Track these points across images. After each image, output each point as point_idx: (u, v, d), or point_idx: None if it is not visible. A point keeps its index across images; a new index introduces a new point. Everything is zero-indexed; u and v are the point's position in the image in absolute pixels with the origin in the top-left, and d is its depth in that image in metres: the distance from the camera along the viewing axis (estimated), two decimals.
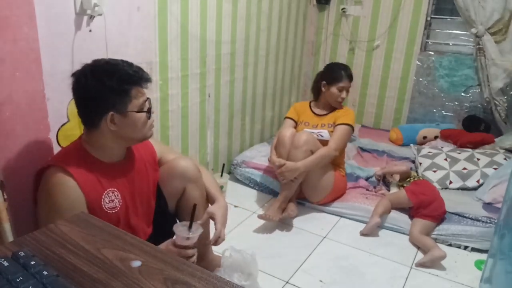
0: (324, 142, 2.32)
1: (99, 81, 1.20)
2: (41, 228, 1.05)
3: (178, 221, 1.62)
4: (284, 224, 2.25)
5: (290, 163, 2.16)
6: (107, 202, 1.29)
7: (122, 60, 1.27)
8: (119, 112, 1.23)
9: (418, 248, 2.08)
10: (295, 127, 2.47)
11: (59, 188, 1.19)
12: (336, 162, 2.44)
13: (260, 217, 2.18)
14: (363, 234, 2.18)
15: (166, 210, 1.57)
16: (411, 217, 2.22)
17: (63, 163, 1.23)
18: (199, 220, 1.44)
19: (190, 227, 1.23)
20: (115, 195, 1.32)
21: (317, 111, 2.50)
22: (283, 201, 2.25)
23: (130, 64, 1.27)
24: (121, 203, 1.33)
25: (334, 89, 2.39)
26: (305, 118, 2.50)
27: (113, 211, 1.31)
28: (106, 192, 1.29)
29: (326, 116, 2.46)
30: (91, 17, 1.64)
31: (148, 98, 1.31)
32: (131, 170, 1.39)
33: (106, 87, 1.20)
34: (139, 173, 1.42)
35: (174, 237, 1.26)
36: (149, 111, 1.30)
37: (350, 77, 2.43)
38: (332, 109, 2.47)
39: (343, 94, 2.40)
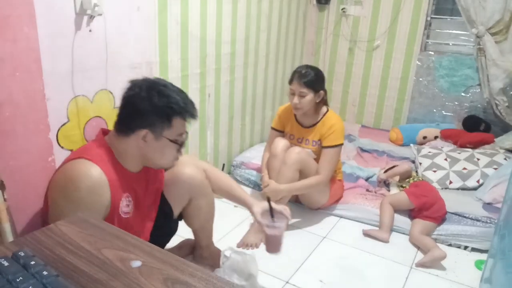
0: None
1: (149, 97, 1.21)
2: (54, 221, 1.05)
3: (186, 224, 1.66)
4: None
5: (274, 184, 2.06)
6: (124, 205, 1.29)
7: (180, 90, 1.29)
8: (154, 133, 1.23)
9: (418, 248, 2.08)
10: (284, 137, 2.33)
11: (91, 183, 1.16)
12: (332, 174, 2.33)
13: (238, 245, 2.01)
14: (366, 234, 2.18)
15: (171, 216, 1.56)
16: (411, 217, 2.22)
17: (91, 156, 1.20)
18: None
19: (272, 216, 1.38)
20: (129, 201, 1.32)
21: (301, 119, 2.28)
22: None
23: (185, 96, 1.28)
24: (132, 210, 1.33)
25: (290, 93, 2.18)
26: (290, 129, 2.33)
27: (127, 216, 1.31)
28: (125, 195, 1.29)
29: (311, 129, 2.25)
30: (91, 17, 1.64)
31: (187, 132, 1.31)
32: (143, 181, 1.39)
33: (153, 105, 1.20)
34: (149, 184, 1.42)
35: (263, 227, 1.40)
36: (181, 145, 1.30)
37: (302, 79, 2.11)
38: (317, 119, 2.24)
39: (295, 99, 2.12)
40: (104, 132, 1.35)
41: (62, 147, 1.65)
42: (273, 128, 2.40)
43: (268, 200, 1.32)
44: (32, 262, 0.61)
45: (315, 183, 2.14)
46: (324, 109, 2.26)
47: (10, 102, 1.42)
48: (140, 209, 1.38)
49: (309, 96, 2.13)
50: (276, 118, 2.39)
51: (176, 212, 1.56)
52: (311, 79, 2.12)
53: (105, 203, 1.19)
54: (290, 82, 2.17)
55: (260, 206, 1.47)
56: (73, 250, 0.71)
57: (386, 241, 2.13)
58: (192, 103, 1.29)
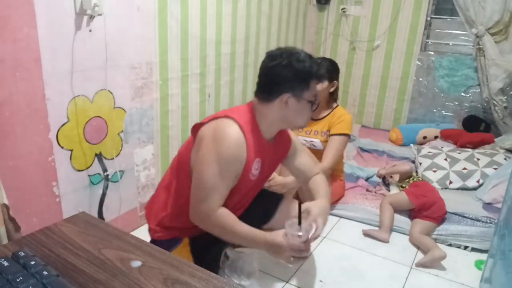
0: (316, 151, 2.25)
1: (290, 64, 1.31)
2: (201, 167, 1.28)
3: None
4: None
5: (280, 178, 2.06)
6: (255, 168, 1.37)
7: (310, 55, 1.38)
8: (295, 96, 1.34)
9: (418, 248, 2.08)
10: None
11: (233, 142, 1.27)
12: (335, 173, 2.38)
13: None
14: (366, 234, 2.18)
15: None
16: (411, 217, 2.22)
17: (243, 122, 1.31)
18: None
19: (299, 224, 1.26)
20: (258, 165, 1.39)
21: (313, 115, 2.40)
22: None
23: (315, 61, 1.38)
24: (259, 176, 1.42)
25: None
26: None
27: (253, 178, 1.39)
28: (256, 160, 1.37)
29: (321, 121, 2.32)
30: (91, 17, 1.64)
31: (318, 94, 1.42)
32: (272, 152, 1.47)
33: (294, 71, 1.31)
34: (273, 159, 1.50)
35: (286, 233, 1.28)
36: (315, 104, 1.40)
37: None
38: (327, 112, 2.33)
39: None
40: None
41: (62, 147, 1.66)
42: None
43: (299, 205, 1.28)
44: (32, 262, 0.61)
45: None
46: (334, 104, 2.36)
47: (10, 102, 1.42)
48: (263, 176, 1.48)
49: (324, 83, 2.22)
50: None
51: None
52: (327, 68, 2.23)
53: (242, 160, 1.30)
54: None
55: (312, 204, 1.47)
56: (73, 250, 0.71)
57: (386, 241, 2.13)
58: (323, 66, 1.44)
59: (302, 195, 2.36)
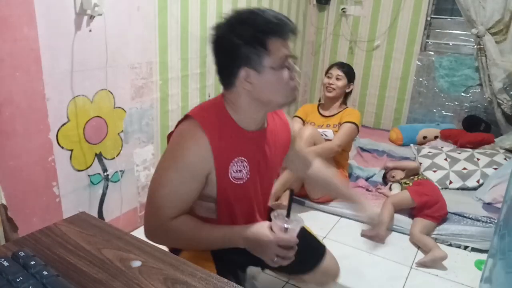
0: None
1: (232, 31, 1.02)
2: (155, 176, 1.08)
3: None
4: None
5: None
6: (234, 171, 1.13)
7: (268, 9, 1.06)
8: (254, 68, 1.04)
9: (418, 248, 2.08)
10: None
11: (190, 142, 1.07)
12: (339, 163, 2.49)
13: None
14: (364, 235, 2.18)
15: None
16: (412, 216, 2.22)
17: (201, 118, 1.10)
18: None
19: (288, 216, 1.02)
20: (244, 166, 1.15)
21: (324, 113, 2.59)
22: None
23: (274, 13, 1.05)
24: (249, 176, 1.17)
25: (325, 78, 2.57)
26: (311, 118, 2.59)
27: (239, 182, 1.15)
28: (235, 160, 1.13)
29: (333, 117, 2.54)
30: (91, 17, 1.64)
31: (291, 55, 1.09)
32: (265, 142, 1.21)
33: (240, 38, 1.01)
34: (272, 148, 1.24)
35: (271, 226, 1.05)
36: (291, 69, 1.08)
37: (341, 67, 2.54)
38: (339, 110, 2.55)
39: (331, 80, 2.51)
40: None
41: (62, 147, 1.66)
42: (296, 116, 2.67)
43: (291, 193, 1.07)
44: (32, 262, 0.61)
45: (329, 146, 2.35)
46: (344, 106, 2.61)
47: (10, 102, 1.42)
48: (262, 173, 1.22)
49: (343, 81, 2.50)
50: (301, 109, 2.71)
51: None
52: (348, 69, 2.55)
53: (205, 167, 1.08)
54: (329, 69, 2.55)
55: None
56: (73, 250, 0.71)
57: (382, 237, 2.13)
58: (285, 17, 1.07)
59: (307, 184, 2.37)
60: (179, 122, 1.15)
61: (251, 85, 1.06)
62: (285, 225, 1.01)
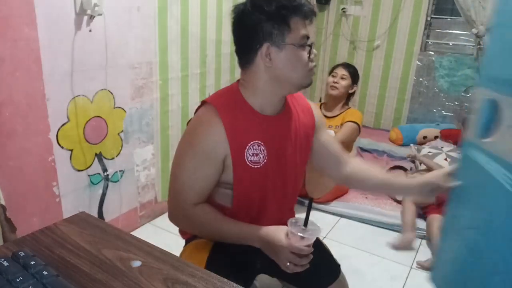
0: None
1: (256, 7, 1.06)
2: (174, 160, 1.13)
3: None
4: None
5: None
6: (250, 154, 1.13)
7: None
8: (275, 44, 1.06)
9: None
10: None
11: (205, 127, 1.10)
12: None
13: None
14: (396, 247, 2.09)
15: None
16: (424, 216, 2.20)
17: (216, 102, 1.12)
18: None
19: (305, 224, 1.02)
20: (260, 149, 1.15)
21: (327, 113, 2.62)
22: None
23: None
24: (266, 160, 1.15)
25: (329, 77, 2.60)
26: None
27: (256, 166, 1.14)
28: (251, 143, 1.13)
29: (335, 118, 2.57)
30: (91, 17, 1.64)
31: (309, 36, 1.11)
32: (284, 127, 1.19)
33: (264, 14, 1.05)
34: (293, 133, 1.21)
35: (288, 232, 1.04)
36: (310, 50, 1.10)
37: (346, 67, 2.58)
38: (342, 110, 2.58)
39: (336, 79, 2.53)
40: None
41: (62, 147, 1.66)
42: None
43: (310, 201, 1.05)
44: (32, 262, 0.61)
45: None
46: (347, 107, 2.65)
47: (10, 102, 1.42)
48: (281, 158, 1.20)
49: (348, 81, 2.54)
50: None
51: None
52: (354, 70, 2.60)
53: (220, 151, 1.09)
54: (334, 68, 2.60)
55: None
56: (73, 250, 0.71)
57: (412, 240, 2.08)
58: (306, 1, 1.10)
59: (309, 183, 2.35)
60: (197, 109, 1.18)
61: (271, 61, 1.07)
62: (300, 234, 1.00)
